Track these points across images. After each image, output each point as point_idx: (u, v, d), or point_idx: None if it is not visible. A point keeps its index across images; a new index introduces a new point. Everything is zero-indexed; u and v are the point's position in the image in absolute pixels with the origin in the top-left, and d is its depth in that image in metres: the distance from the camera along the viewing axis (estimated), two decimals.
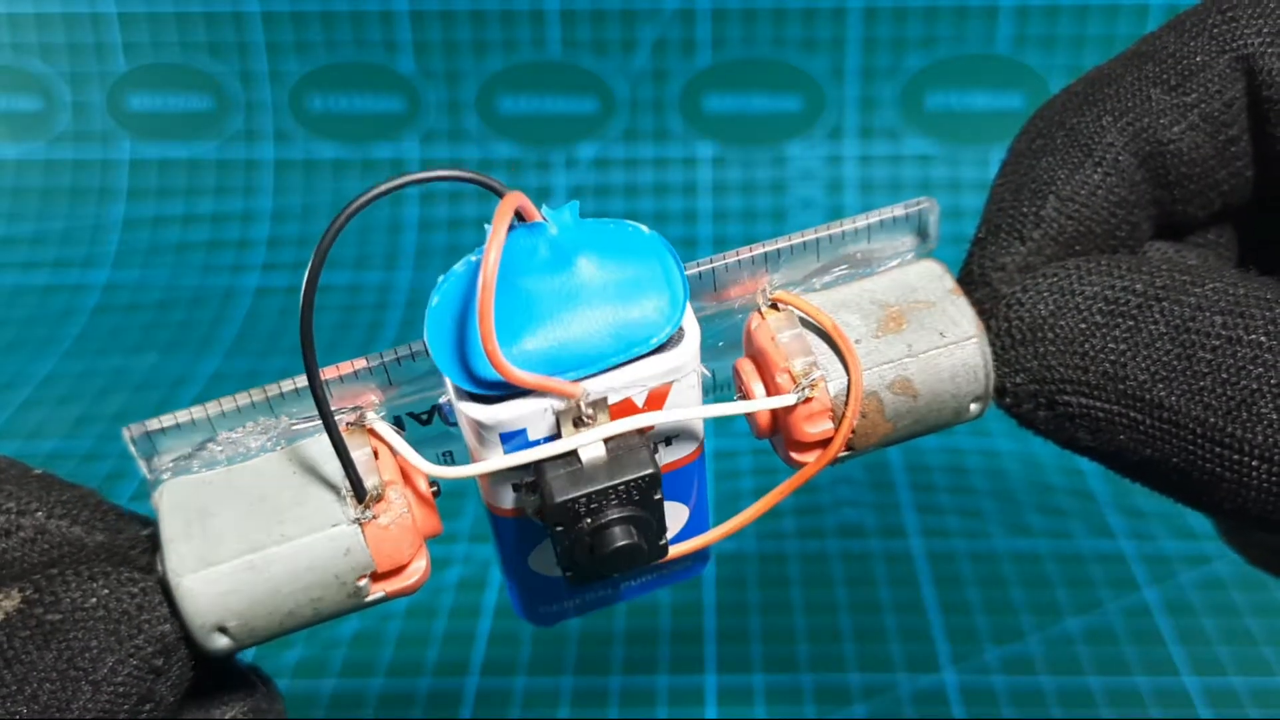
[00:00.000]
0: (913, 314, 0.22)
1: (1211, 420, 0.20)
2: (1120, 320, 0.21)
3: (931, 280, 0.23)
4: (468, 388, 0.20)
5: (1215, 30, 0.23)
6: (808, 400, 0.21)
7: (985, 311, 0.23)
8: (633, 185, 0.83)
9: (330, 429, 0.19)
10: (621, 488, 0.20)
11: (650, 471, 0.20)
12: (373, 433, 0.21)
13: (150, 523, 0.21)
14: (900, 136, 0.83)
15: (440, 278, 0.20)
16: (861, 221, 0.23)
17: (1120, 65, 0.24)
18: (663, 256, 0.20)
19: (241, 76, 0.85)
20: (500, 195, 0.19)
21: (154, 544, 0.20)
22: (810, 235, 0.23)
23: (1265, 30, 0.22)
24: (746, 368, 0.22)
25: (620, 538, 0.20)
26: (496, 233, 0.19)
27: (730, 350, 0.24)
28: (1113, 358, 0.21)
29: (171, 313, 0.79)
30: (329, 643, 0.54)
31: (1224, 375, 0.20)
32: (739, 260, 0.22)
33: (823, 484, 0.61)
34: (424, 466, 0.20)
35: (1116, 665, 0.52)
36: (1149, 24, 0.80)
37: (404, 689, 0.52)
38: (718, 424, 0.48)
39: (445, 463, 0.23)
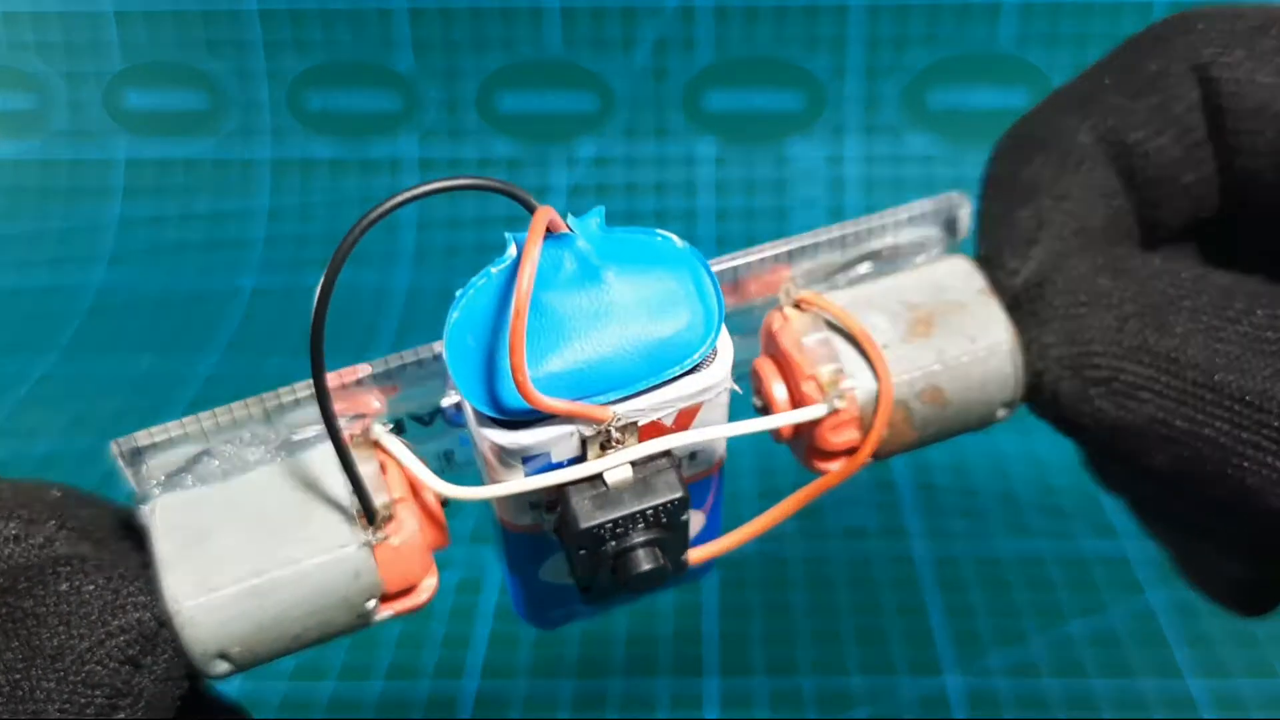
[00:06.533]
0: (942, 316, 0.21)
1: (1254, 386, 0.19)
2: (1156, 286, 0.21)
3: (961, 279, 0.22)
4: (492, 414, 0.19)
5: (1172, 41, 0.23)
6: (836, 411, 0.20)
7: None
8: (633, 183, 0.83)
9: (341, 451, 0.18)
10: (649, 512, 0.19)
11: (679, 496, 0.19)
12: (380, 446, 0.20)
13: None
14: (903, 135, 0.83)
15: (459, 292, 0.19)
16: (889, 218, 0.22)
17: (1078, 81, 0.24)
18: (695, 270, 0.19)
19: (238, 74, 0.84)
20: (529, 209, 0.18)
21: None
22: (836, 232, 0.22)
23: (1218, 41, 0.23)
24: (767, 368, 0.22)
25: (645, 561, 0.20)
26: (530, 253, 0.17)
27: (747, 339, 0.23)
28: (1149, 317, 0.21)
29: (168, 312, 0.79)
30: (326, 645, 0.54)
31: (1266, 346, 0.20)
32: (762, 259, 0.22)
33: None
34: (438, 486, 0.20)
35: (1121, 668, 0.52)
36: (1153, 21, 0.79)
37: (402, 692, 0.52)
38: None
39: (446, 464, 0.22)
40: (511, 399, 0.18)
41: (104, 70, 0.84)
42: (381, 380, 0.20)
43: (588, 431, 0.19)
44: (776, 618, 0.55)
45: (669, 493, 0.19)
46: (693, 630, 0.54)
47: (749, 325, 0.23)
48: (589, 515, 0.19)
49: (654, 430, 0.20)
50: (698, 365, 0.19)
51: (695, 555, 0.22)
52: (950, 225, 0.23)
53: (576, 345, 0.19)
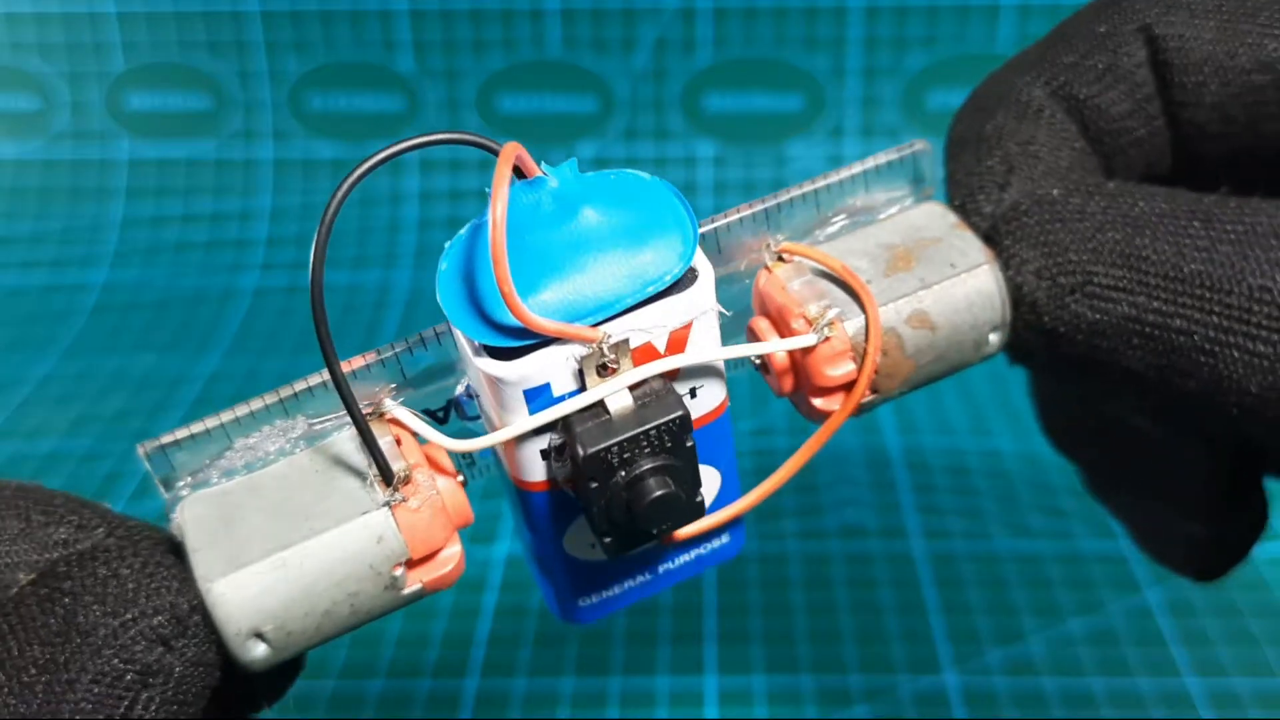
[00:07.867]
0: (920, 251, 0.22)
1: (1220, 273, 0.20)
2: (1127, 200, 0.22)
3: (934, 219, 0.23)
4: (486, 340, 0.19)
5: (1119, 5, 0.24)
6: (827, 340, 0.21)
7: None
8: None
9: (351, 409, 0.19)
10: (653, 433, 0.20)
11: (680, 414, 0.20)
12: (393, 421, 0.21)
13: None
14: (901, 135, 0.83)
15: (446, 244, 0.20)
16: (858, 169, 0.23)
17: (1032, 48, 0.25)
18: (668, 198, 0.20)
19: (240, 75, 0.84)
20: (495, 152, 0.19)
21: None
22: (809, 187, 0.23)
23: (1163, 2, 0.24)
24: (761, 325, 0.22)
25: (656, 488, 0.20)
26: (500, 178, 0.19)
27: (740, 319, 0.24)
28: (1120, 224, 0.21)
29: (170, 312, 0.79)
30: (328, 644, 0.54)
31: (1231, 237, 0.20)
32: (740, 219, 0.22)
33: (823, 484, 0.61)
34: (447, 443, 0.20)
35: (1118, 667, 0.52)
36: None
37: (404, 690, 0.52)
38: None
39: (464, 463, 0.23)
40: (503, 317, 0.19)
41: (106, 71, 0.85)
42: (391, 368, 0.21)
43: (582, 353, 0.20)
44: (775, 616, 0.55)
45: (669, 412, 0.20)
46: (692, 629, 0.54)
47: (742, 302, 0.23)
48: (595, 440, 0.20)
49: (649, 356, 0.20)
50: (680, 284, 0.20)
51: (722, 515, 0.23)
52: (918, 176, 0.24)
53: (561, 275, 0.20)
